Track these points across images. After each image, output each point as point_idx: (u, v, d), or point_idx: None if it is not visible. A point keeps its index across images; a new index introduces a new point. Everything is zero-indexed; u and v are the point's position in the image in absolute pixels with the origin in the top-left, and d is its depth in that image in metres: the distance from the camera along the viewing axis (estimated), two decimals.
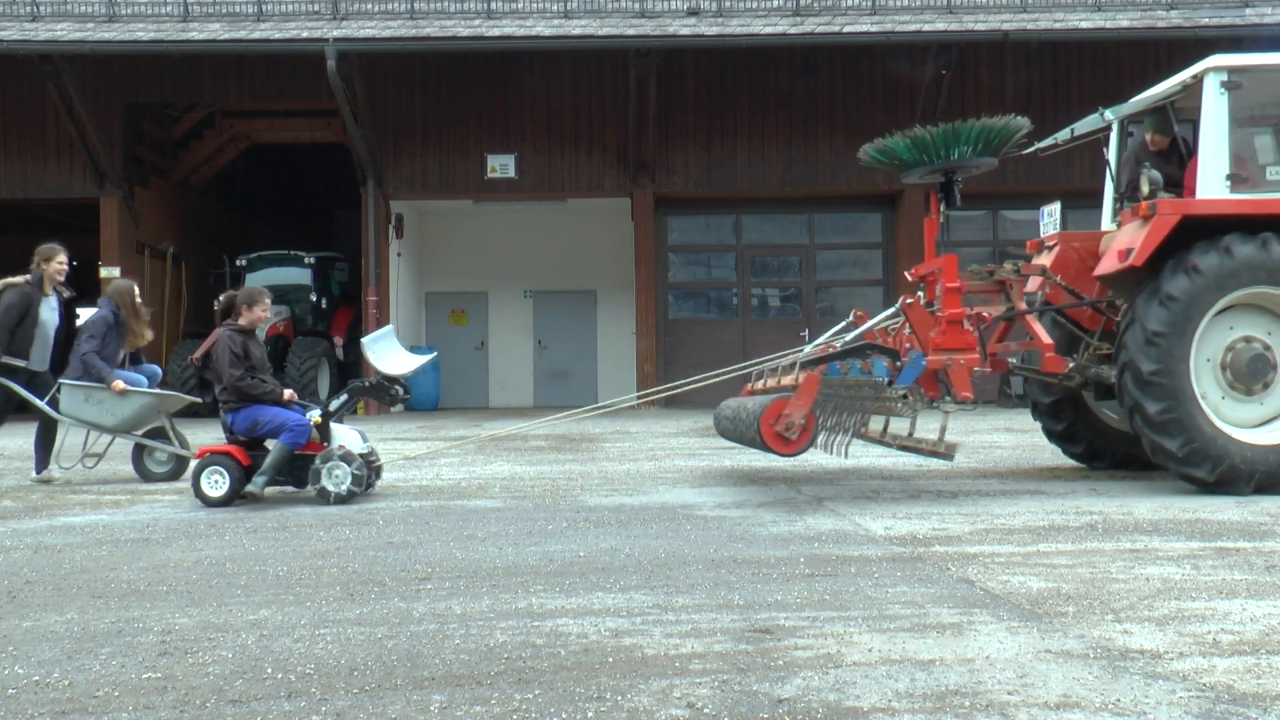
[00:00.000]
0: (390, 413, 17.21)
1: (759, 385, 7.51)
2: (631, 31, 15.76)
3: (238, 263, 18.44)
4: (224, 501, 6.70)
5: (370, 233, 17.39)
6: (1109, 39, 16.06)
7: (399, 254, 18.24)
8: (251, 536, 5.53)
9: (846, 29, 15.74)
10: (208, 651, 3.34)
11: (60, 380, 8.15)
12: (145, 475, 8.21)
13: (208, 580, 4.43)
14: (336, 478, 6.71)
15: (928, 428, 7.11)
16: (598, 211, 19.31)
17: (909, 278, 7.62)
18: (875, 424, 7.14)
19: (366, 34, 15.78)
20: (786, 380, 6.63)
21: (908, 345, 6.91)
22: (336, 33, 15.52)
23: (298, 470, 6.88)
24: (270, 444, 6.97)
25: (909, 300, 6.87)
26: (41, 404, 8.17)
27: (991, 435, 10.98)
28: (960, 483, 7.29)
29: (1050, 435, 8.15)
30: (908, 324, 6.96)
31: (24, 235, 24.28)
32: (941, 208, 7.26)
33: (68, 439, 8.42)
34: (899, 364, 6.51)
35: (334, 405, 7.09)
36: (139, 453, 8.28)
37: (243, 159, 21.49)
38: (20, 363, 8.12)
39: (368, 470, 6.89)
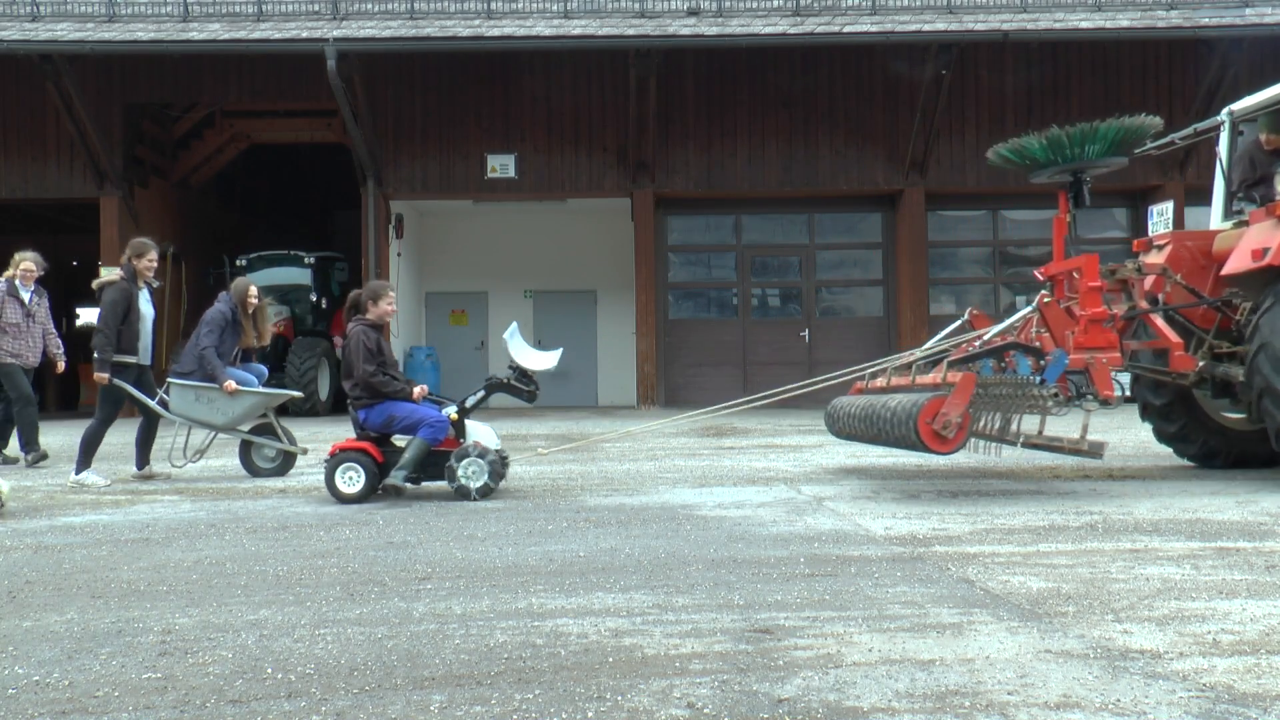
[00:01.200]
0: None
1: (875, 383, 7.54)
2: (631, 31, 15.76)
3: (238, 263, 18.44)
4: (359, 498, 6.71)
5: (370, 233, 17.39)
6: (1109, 39, 16.06)
7: (399, 254, 18.24)
8: (251, 536, 5.53)
9: (846, 29, 15.74)
10: (208, 651, 3.34)
11: (170, 379, 8.30)
12: (253, 471, 8.33)
13: (208, 580, 4.43)
14: (473, 473, 6.71)
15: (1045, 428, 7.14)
16: (598, 211, 19.32)
17: (1038, 277, 7.56)
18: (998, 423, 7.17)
19: (366, 34, 15.78)
20: (926, 379, 6.68)
21: (1036, 343, 6.95)
22: (336, 33, 15.52)
23: (430, 466, 6.85)
24: (398, 439, 6.96)
25: (1046, 299, 6.90)
26: (151, 403, 8.32)
27: None
28: (960, 483, 7.29)
29: (1161, 437, 8.11)
30: (1042, 323, 6.98)
31: (24, 235, 24.41)
32: (1070, 207, 7.29)
33: (160, 433, 8.61)
34: (1042, 362, 6.55)
35: (470, 401, 7.09)
36: (246, 449, 8.39)
37: (243, 159, 21.48)
38: (131, 359, 8.29)
39: (502, 466, 6.87)
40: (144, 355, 8.42)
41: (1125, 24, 15.72)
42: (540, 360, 7.33)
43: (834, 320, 18.34)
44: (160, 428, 8.60)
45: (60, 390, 25.34)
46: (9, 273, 9.81)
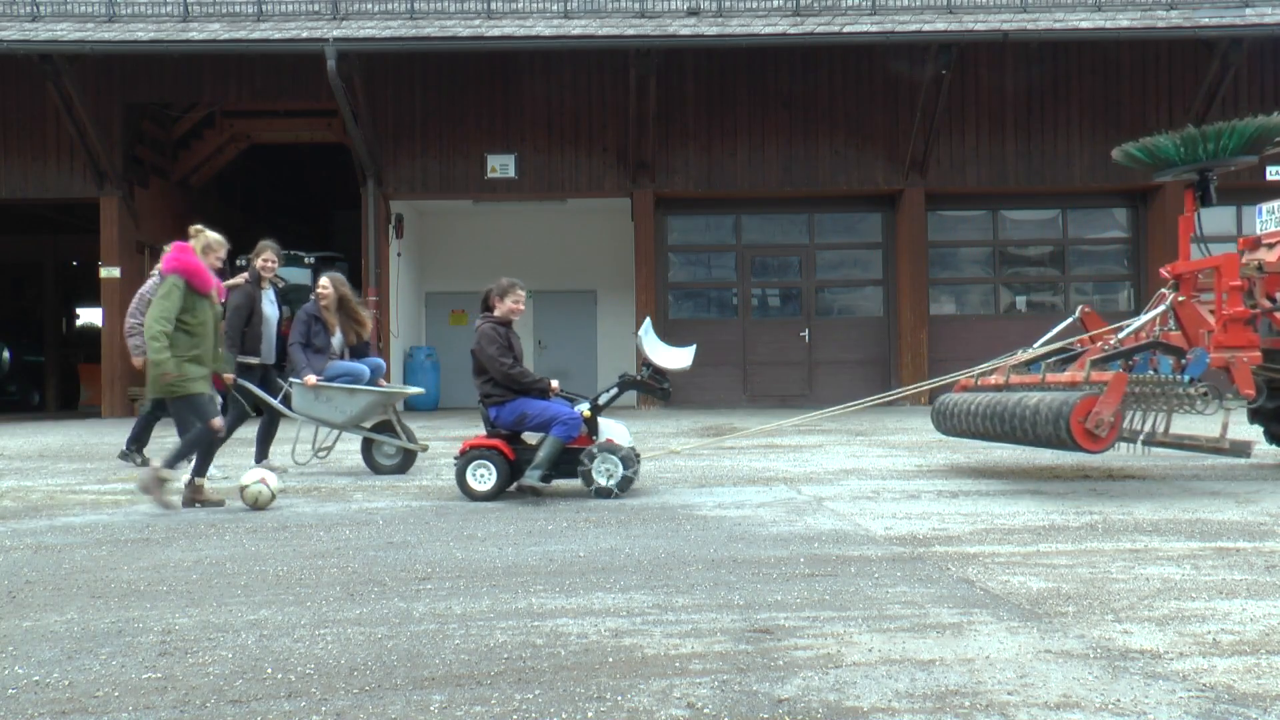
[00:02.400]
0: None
1: (988, 381, 7.53)
2: (631, 31, 15.76)
3: (237, 263, 18.44)
4: (490, 496, 6.70)
5: (370, 233, 17.39)
6: (1109, 39, 16.06)
7: (399, 254, 18.23)
8: (251, 536, 5.53)
9: (846, 29, 15.73)
10: (208, 651, 3.34)
11: (290, 380, 8.37)
12: (375, 468, 8.37)
13: (208, 580, 4.43)
14: (608, 470, 6.69)
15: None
16: (598, 211, 19.31)
17: (1165, 275, 7.52)
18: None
19: (366, 34, 15.77)
20: (1060, 377, 6.71)
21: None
22: (336, 33, 15.52)
23: (563, 463, 6.81)
24: (527, 436, 6.95)
25: (1181, 299, 6.91)
26: (274, 402, 8.39)
27: None
28: (960, 483, 7.29)
29: (1274, 439, 8.10)
30: (1175, 321, 6.98)
31: (24, 235, 24.44)
32: (1196, 205, 7.31)
33: (271, 430, 8.68)
34: (1184, 361, 6.56)
35: (603, 399, 7.07)
36: (368, 446, 8.43)
37: (243, 159, 21.47)
38: (255, 360, 8.42)
39: (636, 463, 6.85)
40: (267, 355, 8.55)
41: (1125, 24, 15.72)
42: (676, 358, 7.33)
43: (834, 320, 18.34)
44: (295, 428, 8.66)
45: (60, 390, 25.36)
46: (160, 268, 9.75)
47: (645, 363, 7.23)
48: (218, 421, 6.66)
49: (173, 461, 6.53)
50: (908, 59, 16.72)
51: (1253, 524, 5.46)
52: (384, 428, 8.44)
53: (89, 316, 28.39)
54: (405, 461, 8.39)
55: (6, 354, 24.79)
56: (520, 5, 16.39)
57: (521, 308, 7.37)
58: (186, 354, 6.53)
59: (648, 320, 7.75)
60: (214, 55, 16.40)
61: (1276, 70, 17.52)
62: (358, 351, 8.75)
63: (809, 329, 18.07)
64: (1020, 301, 18.70)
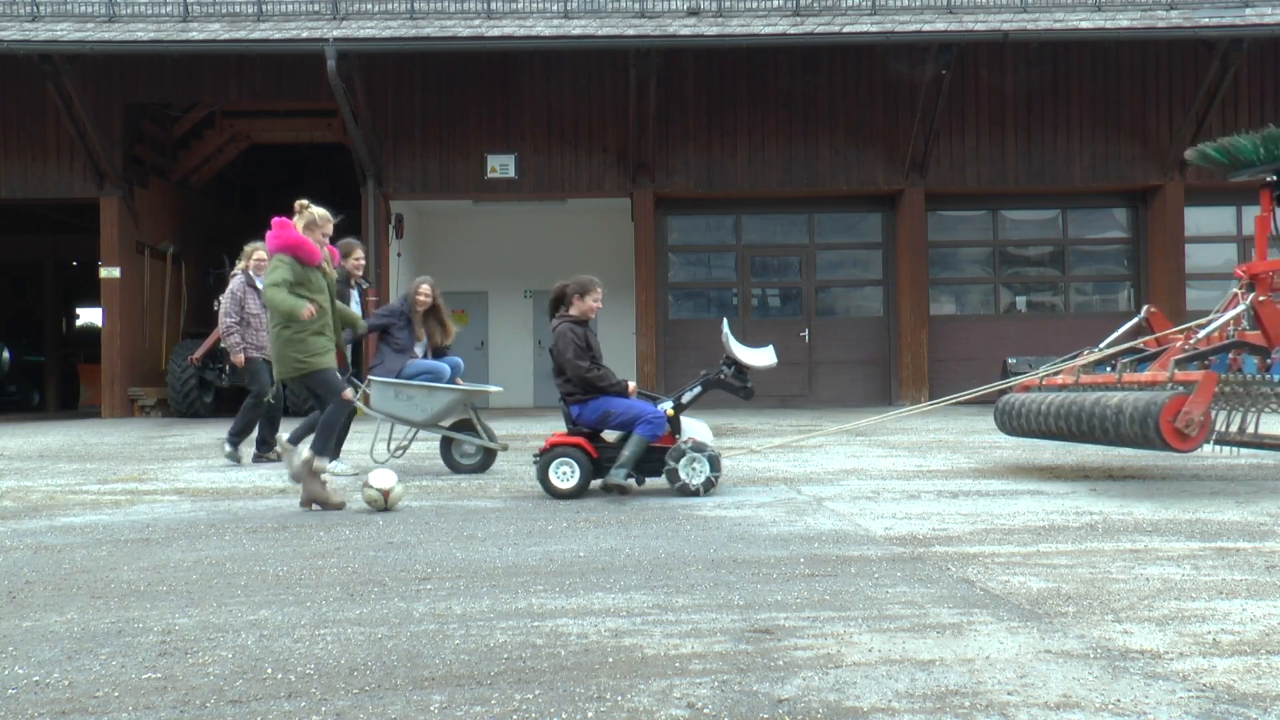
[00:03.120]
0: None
1: (1056, 381, 7.51)
2: (631, 31, 15.76)
3: (237, 262, 18.42)
4: (573, 494, 6.68)
5: (370, 233, 17.39)
6: (1109, 39, 16.07)
7: (399, 254, 18.23)
8: (251, 536, 5.53)
9: (846, 29, 15.74)
10: (208, 651, 3.34)
11: (370, 377, 8.37)
12: (454, 467, 8.33)
13: (208, 580, 4.43)
14: (694, 470, 6.67)
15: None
16: (598, 211, 19.32)
17: (1240, 275, 7.51)
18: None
19: (366, 34, 15.78)
20: (1140, 377, 6.71)
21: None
22: (336, 33, 15.52)
23: (644, 461, 6.80)
24: (607, 434, 6.95)
25: (1261, 298, 6.92)
26: (354, 399, 8.25)
27: (992, 435, 10.97)
28: (960, 483, 7.29)
29: None
30: (1255, 321, 6.98)
31: (24, 235, 24.44)
32: (1274, 205, 7.33)
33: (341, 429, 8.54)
34: (1270, 360, 6.57)
35: (686, 397, 7.04)
36: (447, 445, 8.40)
37: (243, 159, 21.48)
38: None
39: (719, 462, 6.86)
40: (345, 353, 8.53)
41: (1125, 24, 15.72)
42: (760, 357, 7.32)
43: (834, 320, 18.34)
44: (374, 427, 8.65)
45: (60, 390, 25.36)
46: (241, 264, 9.69)
47: (729, 361, 7.21)
48: (348, 393, 6.63)
49: (320, 447, 6.38)
50: (908, 59, 16.72)
51: (1253, 524, 5.46)
52: (464, 426, 8.37)
53: (89, 316, 28.41)
54: (485, 460, 8.32)
55: (6, 354, 24.79)
56: (520, 5, 16.40)
57: (598, 305, 7.36)
58: (309, 328, 6.46)
59: (726, 320, 7.77)
60: (214, 55, 16.41)
61: (1276, 70, 17.52)
62: (438, 354, 8.74)
63: (809, 329, 18.08)
64: (1020, 302, 18.71)
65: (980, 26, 15.62)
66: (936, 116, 16.66)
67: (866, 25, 15.75)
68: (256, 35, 15.72)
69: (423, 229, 20.07)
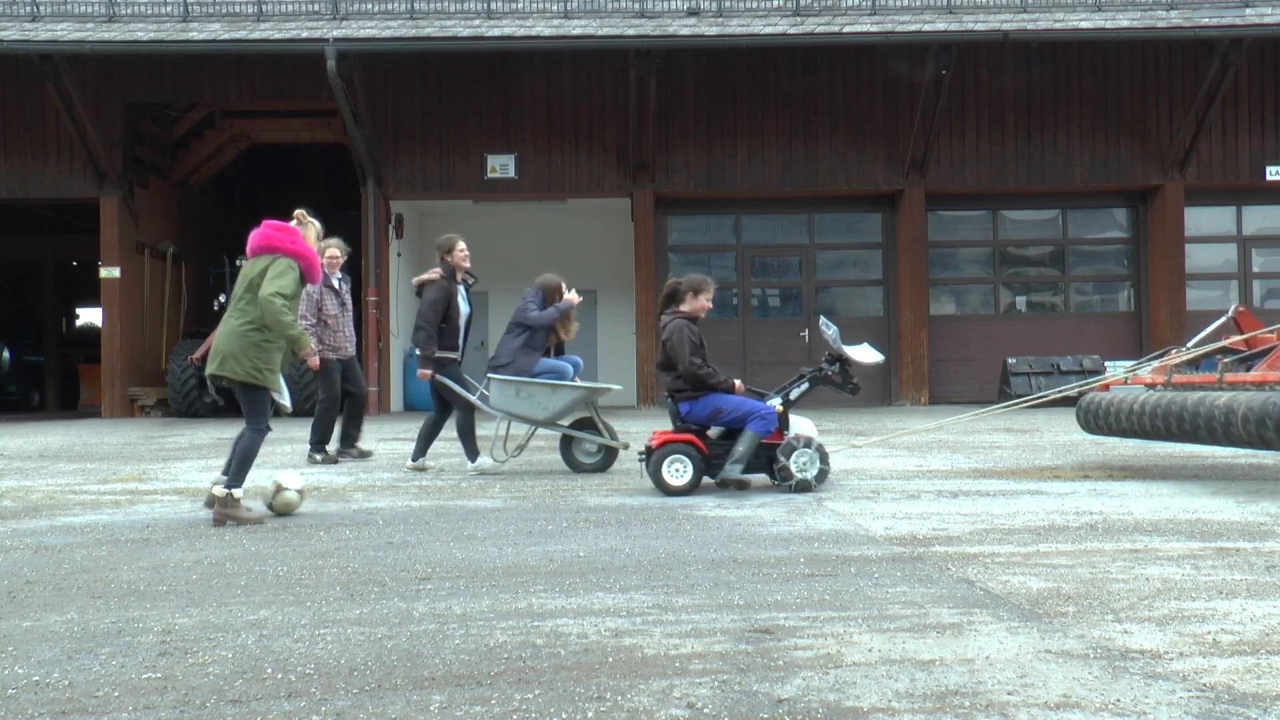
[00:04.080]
0: (390, 413, 17.21)
1: (1143, 380, 7.51)
2: (631, 31, 15.76)
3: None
4: (686, 490, 6.71)
5: (370, 233, 17.38)
6: (1109, 39, 16.06)
7: (399, 254, 18.23)
8: (251, 536, 5.53)
9: (846, 29, 15.73)
10: (208, 651, 3.34)
11: (490, 374, 8.26)
12: (575, 466, 8.25)
13: (208, 580, 4.43)
14: (804, 464, 6.73)
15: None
16: (598, 211, 19.31)
17: None
18: None
19: (366, 34, 15.77)
20: (1246, 377, 6.72)
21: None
22: (336, 33, 15.51)
23: (754, 458, 6.84)
24: (711, 431, 6.99)
25: None
26: (472, 398, 8.33)
27: (992, 435, 10.98)
28: (960, 483, 7.29)
29: None
30: None
31: (24, 235, 24.44)
32: None
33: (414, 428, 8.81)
34: None
35: (794, 393, 7.10)
36: (567, 444, 8.32)
37: (243, 159, 21.47)
38: (453, 355, 8.35)
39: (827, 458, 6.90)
40: (459, 350, 8.50)
41: (1125, 24, 15.72)
42: (866, 354, 7.39)
43: (834, 320, 18.31)
44: (493, 424, 8.62)
45: (60, 390, 25.36)
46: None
47: (835, 357, 7.27)
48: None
49: (236, 479, 5.99)
50: (908, 59, 16.72)
51: (1253, 524, 5.46)
52: (585, 425, 8.30)
53: (89, 316, 28.40)
54: (607, 459, 8.24)
55: (6, 354, 24.79)
56: (520, 5, 16.39)
57: (709, 304, 7.37)
58: (277, 341, 6.13)
59: (822, 318, 7.78)
60: (214, 55, 16.40)
61: (1276, 70, 17.52)
62: (557, 351, 8.71)
63: (809, 329, 18.07)
64: (1020, 302, 18.70)
65: (980, 26, 15.61)
66: (936, 116, 16.65)
67: (866, 25, 15.74)
68: (256, 35, 15.72)
69: (423, 229, 20.05)
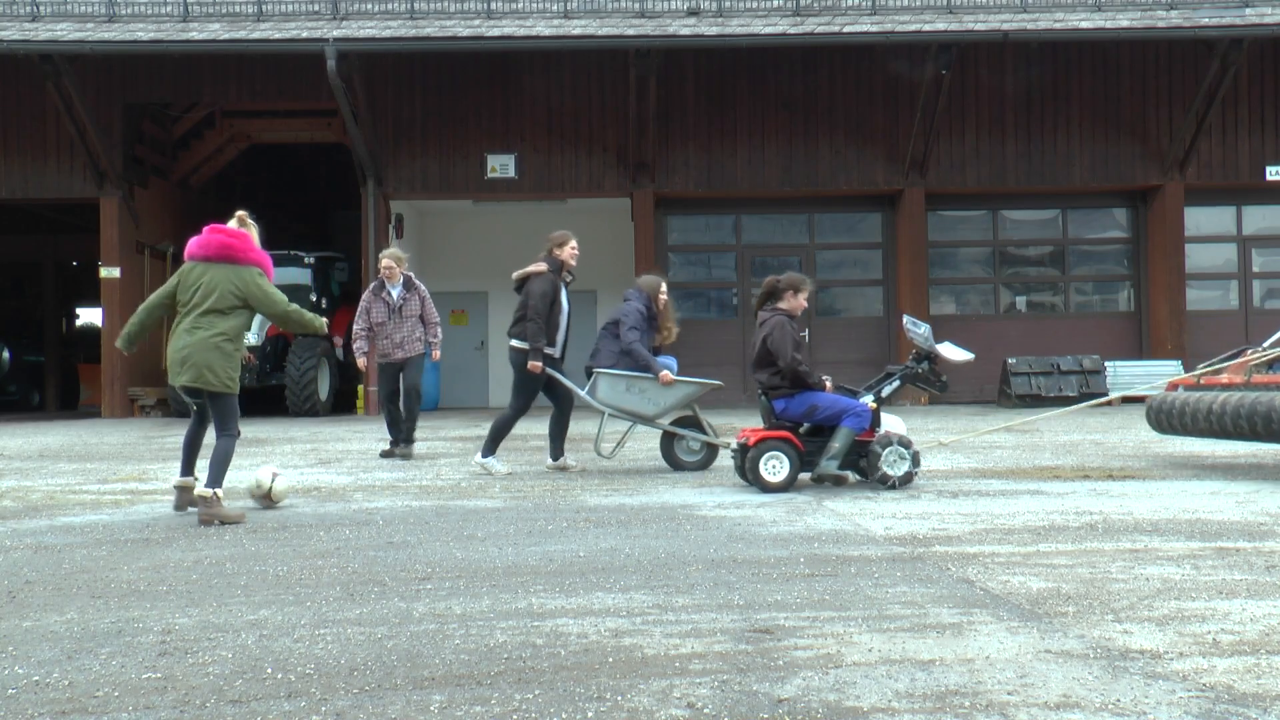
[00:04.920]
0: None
1: (1215, 380, 7.51)
2: (631, 31, 15.76)
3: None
4: (783, 487, 6.78)
5: (370, 233, 17.38)
6: (1109, 39, 16.06)
7: None
8: (251, 536, 5.53)
9: (846, 29, 15.73)
10: (208, 651, 3.34)
11: (596, 370, 8.22)
12: (676, 464, 8.24)
13: (208, 580, 4.43)
14: (895, 461, 6.79)
15: None
16: (598, 211, 19.30)
17: None
18: None
19: (366, 34, 15.77)
20: None
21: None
22: (336, 33, 15.51)
23: (846, 455, 6.91)
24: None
25: None
26: (581, 392, 8.30)
27: (991, 435, 10.98)
28: (960, 483, 7.29)
29: None
30: None
31: (24, 235, 24.44)
32: None
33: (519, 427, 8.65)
34: None
35: (886, 391, 7.17)
36: (668, 441, 8.31)
37: (243, 159, 21.47)
38: (554, 351, 8.32)
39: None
40: (560, 348, 8.47)
41: (1125, 24, 15.72)
42: (958, 353, 7.45)
43: (834, 320, 18.34)
44: (598, 421, 8.61)
45: (60, 390, 25.36)
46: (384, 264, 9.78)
47: (924, 355, 7.31)
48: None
49: (216, 479, 6.04)
50: (908, 59, 16.72)
51: (1253, 524, 5.46)
52: (687, 423, 8.29)
53: (89, 316, 28.39)
54: (709, 457, 8.25)
55: (6, 354, 24.78)
56: (520, 5, 16.39)
57: (805, 304, 7.37)
58: (240, 349, 6.33)
59: (907, 316, 7.81)
60: (214, 55, 16.40)
61: (1276, 70, 17.52)
62: (654, 353, 8.62)
63: (809, 329, 18.06)
64: (1020, 302, 18.70)
65: (980, 26, 15.61)
66: (936, 116, 16.65)
67: (866, 25, 15.74)
68: (256, 35, 15.72)
69: (423, 229, 20.06)
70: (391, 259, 9.73)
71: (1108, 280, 18.61)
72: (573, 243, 8.53)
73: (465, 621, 3.65)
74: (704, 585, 4.15)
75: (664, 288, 8.63)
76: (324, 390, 17.05)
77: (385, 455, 9.57)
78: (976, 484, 7.21)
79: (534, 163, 17.56)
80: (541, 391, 8.32)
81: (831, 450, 6.79)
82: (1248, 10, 15.76)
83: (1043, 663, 3.08)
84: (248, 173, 23.31)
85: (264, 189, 24.20)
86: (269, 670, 3.13)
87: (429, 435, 12.35)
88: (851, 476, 7.06)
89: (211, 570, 4.64)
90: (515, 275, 8.56)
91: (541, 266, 8.39)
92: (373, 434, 12.19)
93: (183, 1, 16.06)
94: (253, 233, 6.55)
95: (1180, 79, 17.31)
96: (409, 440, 9.55)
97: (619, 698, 2.83)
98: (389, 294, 9.65)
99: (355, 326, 9.81)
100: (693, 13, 16.16)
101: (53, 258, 25.47)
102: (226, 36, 15.56)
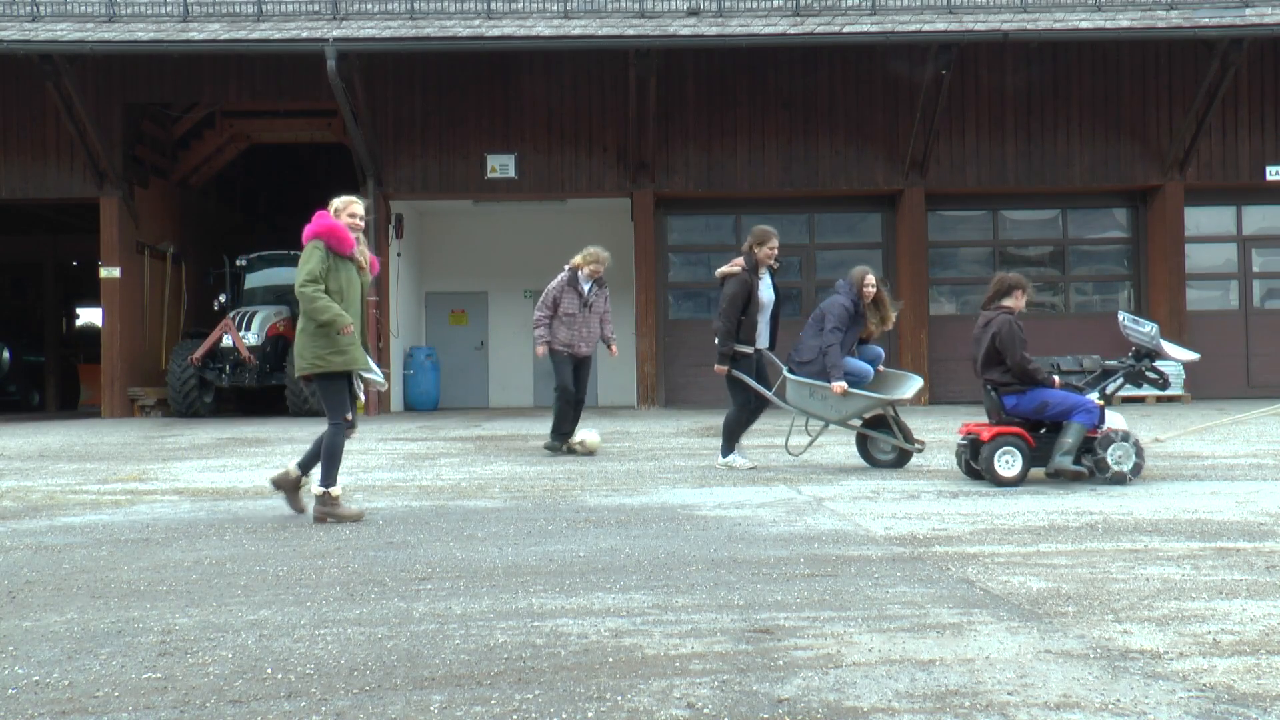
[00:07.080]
0: (390, 413, 17.21)
1: None
2: (631, 31, 15.75)
3: (238, 263, 18.43)
4: (1016, 481, 6.94)
5: (370, 233, 17.31)
6: (1109, 39, 16.05)
7: (399, 254, 18.22)
8: (251, 536, 5.53)
9: (846, 29, 15.72)
10: (208, 651, 3.34)
11: (785, 373, 8.30)
12: (871, 461, 8.40)
13: (208, 580, 4.43)
14: (1119, 457, 6.93)
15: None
16: (598, 211, 19.30)
17: None
18: None
19: (366, 34, 15.77)
20: None
21: None
22: (336, 33, 15.51)
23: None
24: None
25: None
26: (768, 393, 8.37)
27: None
28: (960, 483, 7.29)
29: None
30: None
31: (24, 235, 24.43)
32: None
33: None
34: None
35: (1110, 388, 7.34)
36: (863, 441, 8.44)
37: (243, 159, 21.47)
38: (749, 349, 8.38)
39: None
40: (762, 340, 8.52)
41: (1125, 24, 15.71)
42: (1184, 353, 7.67)
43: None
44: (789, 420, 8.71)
45: (60, 390, 25.36)
46: (576, 261, 9.86)
47: (1141, 354, 7.45)
48: (350, 417, 6.10)
49: (328, 479, 5.95)
50: (908, 59, 16.71)
51: (1253, 524, 5.46)
52: (879, 423, 8.36)
53: (89, 316, 28.38)
54: (900, 458, 8.34)
55: (6, 354, 24.78)
56: (520, 5, 16.39)
57: (1023, 305, 7.58)
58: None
59: (1123, 314, 7.93)
60: (214, 55, 16.40)
61: (1276, 70, 17.51)
62: (863, 342, 8.71)
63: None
64: None
65: (980, 26, 15.61)
66: (936, 116, 16.64)
67: (866, 25, 15.73)
68: (256, 35, 15.71)
69: (423, 229, 20.06)
70: (602, 261, 9.86)
71: (1108, 280, 18.60)
72: (773, 241, 8.50)
73: (465, 621, 3.65)
74: (704, 585, 4.16)
75: (870, 279, 8.64)
76: None
77: (565, 451, 9.61)
78: (976, 484, 7.21)
79: (534, 163, 17.56)
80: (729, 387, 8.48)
81: (1064, 446, 6.93)
82: (1248, 10, 15.75)
83: (1043, 663, 3.09)
84: (248, 173, 23.31)
85: (264, 189, 24.21)
86: (269, 670, 3.13)
87: (429, 435, 12.35)
88: (1082, 471, 7.08)
89: (211, 570, 4.64)
90: (717, 273, 8.67)
91: (738, 266, 8.43)
92: (372, 434, 12.19)
93: (183, 1, 16.05)
94: (333, 208, 6.26)
95: (1180, 79, 17.31)
96: (570, 434, 9.68)
97: (619, 698, 2.83)
98: (582, 288, 9.79)
99: (538, 314, 9.86)
100: (693, 13, 16.16)
101: (53, 258, 25.46)
102: (226, 36, 15.56)
